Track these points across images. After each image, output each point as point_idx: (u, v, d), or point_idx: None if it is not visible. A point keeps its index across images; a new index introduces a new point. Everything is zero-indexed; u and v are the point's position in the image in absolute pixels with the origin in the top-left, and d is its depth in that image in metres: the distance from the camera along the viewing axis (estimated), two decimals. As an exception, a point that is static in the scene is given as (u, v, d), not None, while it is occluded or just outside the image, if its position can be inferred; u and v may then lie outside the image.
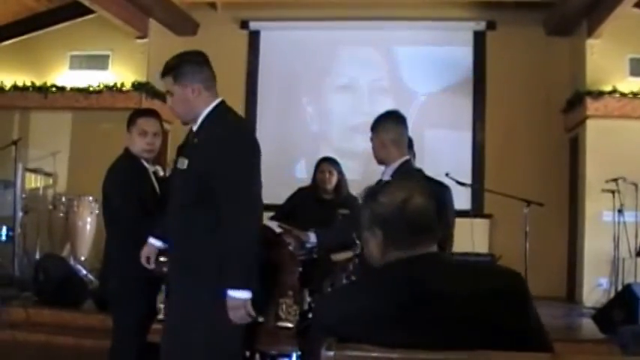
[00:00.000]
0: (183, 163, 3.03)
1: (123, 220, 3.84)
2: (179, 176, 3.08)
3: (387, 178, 3.75)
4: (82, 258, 7.85)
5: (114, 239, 3.95)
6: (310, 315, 3.75)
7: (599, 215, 7.88)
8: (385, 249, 1.93)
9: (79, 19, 9.21)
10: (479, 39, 9.41)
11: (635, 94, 8.12)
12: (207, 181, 2.92)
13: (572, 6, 8.28)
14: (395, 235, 1.91)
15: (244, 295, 2.85)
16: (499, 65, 9.27)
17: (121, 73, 9.08)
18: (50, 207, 8.43)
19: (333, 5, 9.29)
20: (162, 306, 4.16)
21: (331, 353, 1.75)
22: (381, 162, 3.89)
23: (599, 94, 8.18)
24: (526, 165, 8.94)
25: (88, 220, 8.00)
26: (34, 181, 8.76)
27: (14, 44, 9.40)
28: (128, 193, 3.81)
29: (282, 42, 9.73)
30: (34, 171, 8.71)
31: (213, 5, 9.64)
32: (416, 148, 4.96)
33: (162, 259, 3.50)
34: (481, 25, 9.41)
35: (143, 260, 3.54)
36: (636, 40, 8.22)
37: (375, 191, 1.99)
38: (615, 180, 7.43)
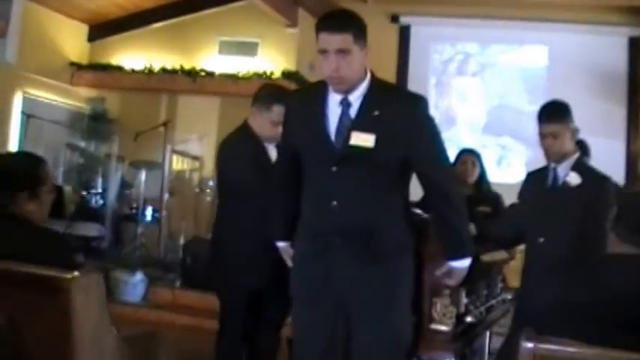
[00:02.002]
0: (367, 140, 2.73)
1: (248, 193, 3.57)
2: (360, 154, 2.74)
3: (564, 172, 3.70)
4: (228, 243, 7.91)
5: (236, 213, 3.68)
6: (469, 318, 3.54)
7: None
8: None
9: (229, 5, 9.25)
10: (634, 45, 9.18)
11: None
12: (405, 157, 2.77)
13: None
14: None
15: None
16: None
17: (269, 61, 9.12)
18: (197, 190, 8.52)
19: (486, 3, 9.16)
20: None
21: (530, 345, 1.74)
22: (559, 157, 3.72)
23: None
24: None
25: (237, 206, 8.05)
26: (180, 164, 8.89)
27: (164, 27, 9.50)
28: (252, 169, 3.57)
29: (433, 37, 9.66)
30: (182, 154, 8.82)
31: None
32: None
33: None
34: (636, 31, 9.17)
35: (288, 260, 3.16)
36: None
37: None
38: None
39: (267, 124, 3.67)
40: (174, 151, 8.58)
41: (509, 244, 4.27)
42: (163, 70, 9.26)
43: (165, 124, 8.20)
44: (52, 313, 2.30)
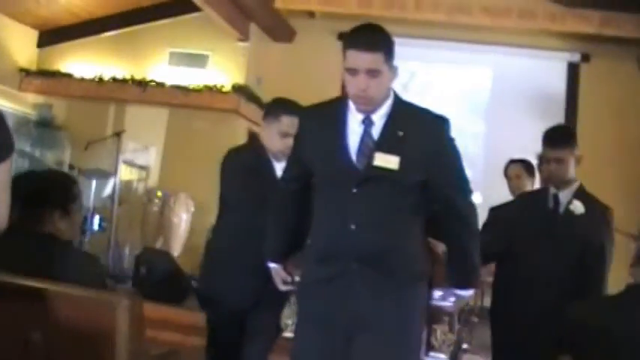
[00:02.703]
0: (391, 162, 2.61)
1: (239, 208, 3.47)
2: (383, 176, 2.62)
3: (566, 198, 3.66)
4: (175, 254, 7.96)
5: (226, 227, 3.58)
6: (464, 346, 3.61)
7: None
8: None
9: (181, 17, 9.33)
10: (572, 70, 9.54)
11: None
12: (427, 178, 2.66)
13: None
14: None
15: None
16: (591, 98, 9.37)
17: (219, 74, 9.22)
18: (145, 200, 8.56)
19: (432, 25, 9.39)
20: (289, 322, 3.94)
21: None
22: (561, 183, 3.69)
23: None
24: (613, 201, 8.97)
25: (184, 217, 8.14)
26: (128, 174, 8.90)
27: (115, 36, 9.54)
28: (248, 181, 3.44)
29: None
30: (129, 163, 8.85)
31: (311, 14, 9.75)
32: (501, 173, 5.04)
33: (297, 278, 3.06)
34: (575, 57, 9.54)
35: (279, 283, 3.07)
36: None
37: None
38: None
39: (276, 135, 3.48)
40: (123, 161, 8.60)
41: (490, 260, 4.09)
42: (113, 79, 9.28)
43: (118, 134, 8.24)
44: (92, 333, 2.29)
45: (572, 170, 3.68)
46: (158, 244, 8.15)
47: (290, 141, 3.28)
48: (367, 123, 2.67)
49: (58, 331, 2.30)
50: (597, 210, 3.69)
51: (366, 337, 2.60)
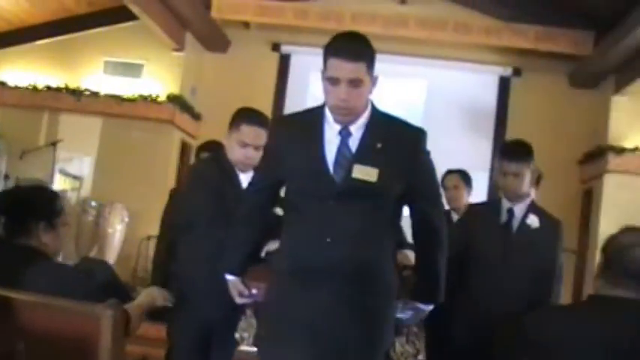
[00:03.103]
0: (370, 174, 2.57)
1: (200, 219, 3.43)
2: (361, 189, 2.58)
3: (521, 212, 3.74)
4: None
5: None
6: (419, 357, 3.52)
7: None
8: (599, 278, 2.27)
9: (116, 26, 9.31)
10: (504, 84, 9.75)
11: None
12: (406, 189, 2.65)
13: (602, 62, 8.63)
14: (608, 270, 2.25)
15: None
16: (521, 111, 9.59)
17: (154, 84, 9.20)
18: (79, 210, 8.50)
19: (369, 37, 9.43)
20: (245, 334, 3.78)
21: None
22: (517, 196, 3.76)
23: (622, 150, 8.55)
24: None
25: (118, 227, 8.13)
26: (62, 183, 8.84)
27: (50, 44, 9.46)
28: (210, 191, 3.40)
29: (313, 68, 9.89)
30: (63, 173, 8.79)
31: (246, 25, 9.78)
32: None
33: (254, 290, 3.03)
34: (507, 71, 9.75)
35: (236, 296, 3.01)
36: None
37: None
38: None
39: (235, 144, 3.41)
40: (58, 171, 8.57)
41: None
42: (47, 87, 9.19)
43: (54, 143, 8.20)
44: (76, 343, 2.33)
45: (527, 184, 3.74)
46: (92, 254, 8.12)
47: (249, 151, 3.35)
48: (344, 134, 2.62)
49: (42, 342, 2.35)
50: (550, 224, 3.79)
51: (340, 350, 2.57)
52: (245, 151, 3.37)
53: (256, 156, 3.28)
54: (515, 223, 3.75)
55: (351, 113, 2.59)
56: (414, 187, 2.65)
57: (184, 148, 9.52)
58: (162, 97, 9.02)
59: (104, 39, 9.37)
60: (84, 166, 9.01)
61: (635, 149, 8.57)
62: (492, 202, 4.02)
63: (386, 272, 2.66)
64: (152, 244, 8.38)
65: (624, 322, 2.14)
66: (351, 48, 2.53)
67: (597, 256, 7.90)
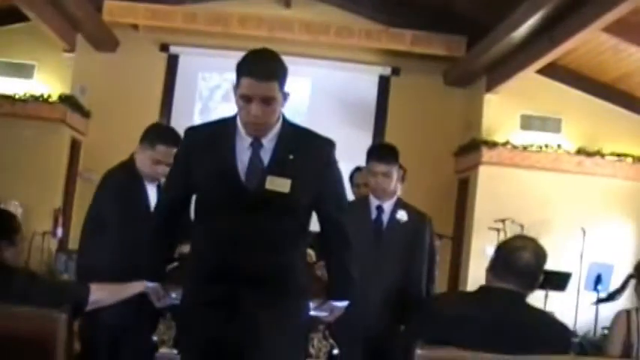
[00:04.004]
0: (282, 185, 2.68)
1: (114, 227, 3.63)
2: (274, 199, 2.68)
3: (389, 208, 4.10)
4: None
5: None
6: (334, 351, 3.75)
7: (482, 250, 8.76)
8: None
9: (6, 27, 9.37)
10: (383, 83, 10.41)
11: (525, 147, 9.32)
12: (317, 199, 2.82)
13: (475, 64, 9.39)
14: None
15: None
16: (400, 107, 10.26)
17: (45, 84, 9.34)
18: (-31, 209, 8.54)
19: (254, 39, 9.80)
20: (165, 338, 3.88)
21: (423, 352, 2.40)
22: (383, 194, 4.07)
23: (494, 144, 9.30)
24: (415, 200, 9.81)
25: (11, 224, 8.20)
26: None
27: (-64, 45, 9.44)
28: (124, 200, 3.65)
29: (200, 68, 10.33)
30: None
31: (135, 27, 10.03)
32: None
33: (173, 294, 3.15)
34: (387, 71, 10.40)
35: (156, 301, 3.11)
36: (527, 98, 9.40)
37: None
38: (503, 220, 8.43)
39: (148, 161, 3.69)
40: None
41: None
42: None
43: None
44: (36, 345, 2.53)
45: (394, 183, 4.10)
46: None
47: (161, 167, 3.63)
48: (256, 145, 2.70)
49: (4, 347, 2.50)
50: (418, 217, 4.17)
51: (256, 353, 2.66)
52: (157, 167, 3.67)
53: (167, 170, 3.40)
54: (385, 218, 4.12)
55: (262, 129, 2.69)
56: (323, 194, 2.81)
57: (74, 145, 9.73)
58: (54, 98, 9.18)
59: (-6, 39, 9.43)
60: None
61: (506, 143, 9.34)
62: (361, 200, 4.33)
63: (298, 276, 2.79)
64: (47, 239, 8.63)
65: (503, 307, 2.61)
66: (264, 68, 2.61)
67: (472, 242, 8.61)
